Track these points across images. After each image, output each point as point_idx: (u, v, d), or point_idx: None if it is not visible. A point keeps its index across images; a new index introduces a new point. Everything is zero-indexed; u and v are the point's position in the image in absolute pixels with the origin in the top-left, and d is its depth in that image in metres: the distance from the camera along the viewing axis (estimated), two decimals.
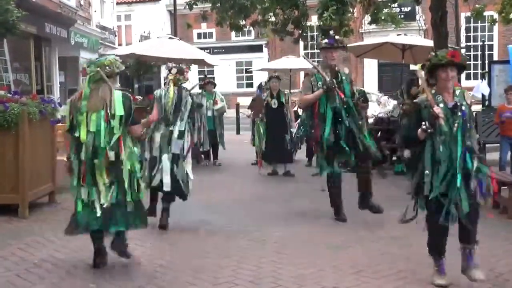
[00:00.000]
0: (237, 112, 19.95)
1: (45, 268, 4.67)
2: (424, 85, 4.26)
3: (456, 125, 4.12)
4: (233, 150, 12.91)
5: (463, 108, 4.18)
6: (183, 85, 6.36)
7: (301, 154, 11.85)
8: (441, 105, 4.11)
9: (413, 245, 5.33)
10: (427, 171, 4.16)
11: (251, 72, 28.82)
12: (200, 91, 12.03)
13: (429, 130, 4.07)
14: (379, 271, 4.69)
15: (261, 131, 10.01)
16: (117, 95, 4.60)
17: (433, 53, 4.25)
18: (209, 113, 11.26)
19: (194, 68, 24.73)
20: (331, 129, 6.14)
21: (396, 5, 15.96)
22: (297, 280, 4.45)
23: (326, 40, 6.45)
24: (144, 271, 4.64)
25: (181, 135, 6.09)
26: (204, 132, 11.18)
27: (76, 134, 4.53)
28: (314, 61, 7.79)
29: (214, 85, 11.83)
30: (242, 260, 4.97)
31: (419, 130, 4.10)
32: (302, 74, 29.95)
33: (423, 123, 4.08)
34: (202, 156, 11.54)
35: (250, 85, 28.90)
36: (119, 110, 4.53)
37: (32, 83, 15.49)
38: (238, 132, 18.79)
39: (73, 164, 4.57)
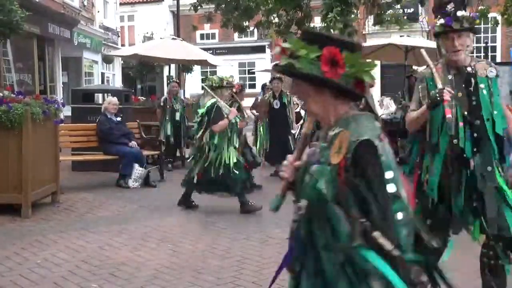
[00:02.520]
0: None
1: (47, 268, 4.67)
2: None
3: None
4: None
5: None
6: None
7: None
8: None
9: None
10: None
11: (254, 73, 28.80)
12: (202, 92, 12.02)
13: None
14: None
15: (262, 132, 10.00)
16: (209, 102, 6.68)
17: None
18: None
19: (197, 68, 24.75)
20: (440, 174, 3.45)
21: (399, 6, 15.95)
22: None
23: (441, 21, 3.50)
24: (146, 271, 4.64)
25: None
26: None
27: None
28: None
29: None
30: (244, 260, 4.97)
31: None
32: None
33: None
34: None
35: (253, 86, 28.82)
36: (201, 111, 6.77)
37: (35, 83, 15.52)
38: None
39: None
